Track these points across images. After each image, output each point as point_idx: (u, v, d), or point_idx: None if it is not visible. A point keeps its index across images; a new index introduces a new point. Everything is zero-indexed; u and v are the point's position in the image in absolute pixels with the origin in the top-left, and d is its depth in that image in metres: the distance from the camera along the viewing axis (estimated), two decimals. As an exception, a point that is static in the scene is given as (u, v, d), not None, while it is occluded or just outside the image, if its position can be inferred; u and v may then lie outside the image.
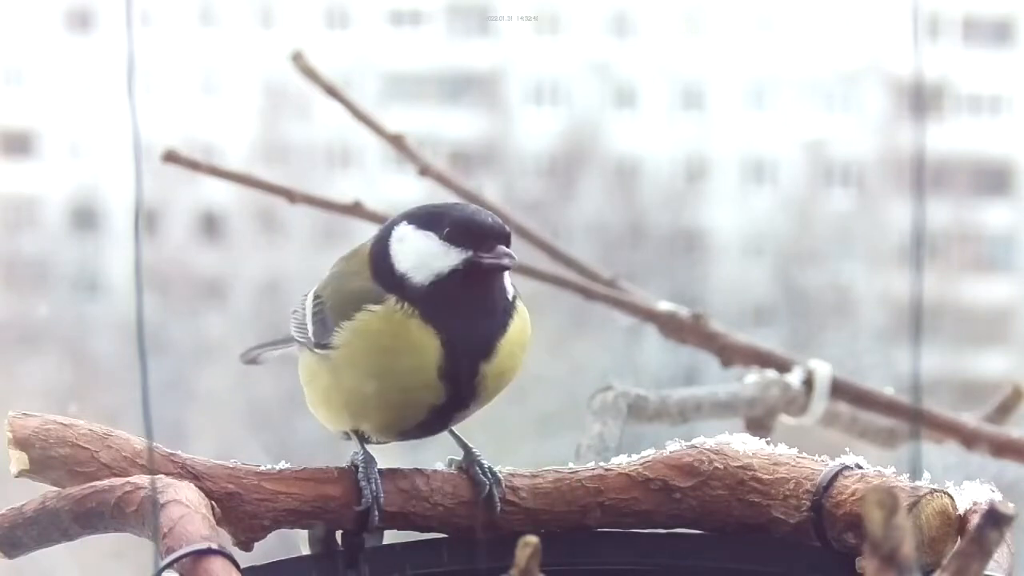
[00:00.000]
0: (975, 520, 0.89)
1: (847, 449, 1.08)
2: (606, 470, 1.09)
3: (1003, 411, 1.64)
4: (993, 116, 4.45)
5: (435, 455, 1.11)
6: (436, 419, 1.08)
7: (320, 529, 1.06)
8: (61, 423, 1.02)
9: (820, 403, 1.57)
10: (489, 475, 1.08)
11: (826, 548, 1.04)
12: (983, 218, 4.42)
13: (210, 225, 4.43)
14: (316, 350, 1.08)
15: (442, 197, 1.47)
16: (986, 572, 0.83)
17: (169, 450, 1.04)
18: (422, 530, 1.08)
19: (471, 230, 1.05)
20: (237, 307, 4.33)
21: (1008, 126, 4.42)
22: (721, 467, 1.07)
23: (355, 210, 1.57)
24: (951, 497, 1.00)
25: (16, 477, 1.02)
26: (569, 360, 3.36)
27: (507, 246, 1.05)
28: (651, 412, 1.44)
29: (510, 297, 1.08)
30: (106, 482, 0.99)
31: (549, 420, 3.00)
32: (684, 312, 1.59)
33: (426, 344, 1.04)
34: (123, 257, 4.16)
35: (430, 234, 1.06)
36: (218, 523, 0.98)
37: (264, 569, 1.02)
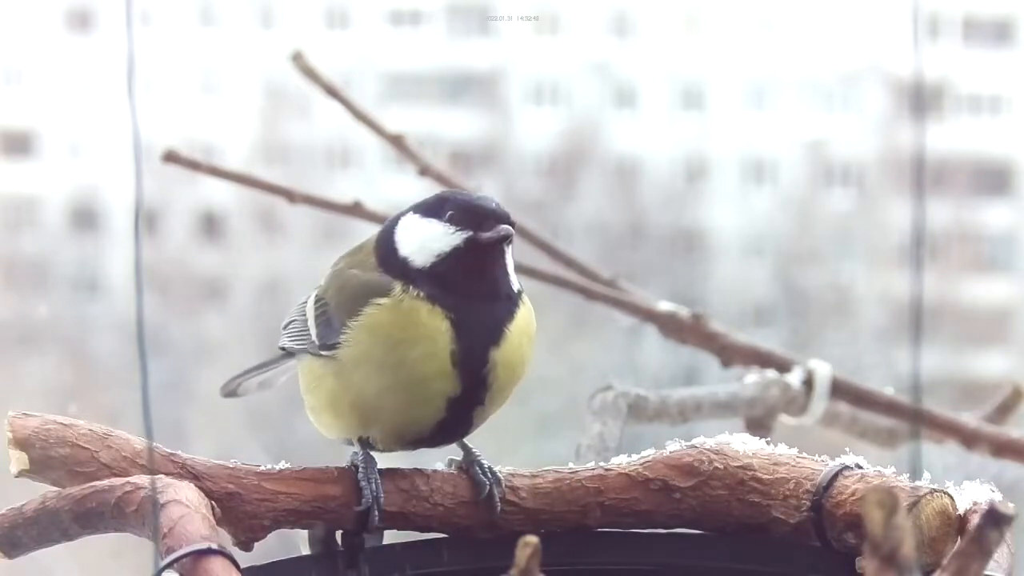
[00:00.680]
0: (975, 520, 0.89)
1: (847, 449, 1.08)
2: (606, 470, 1.09)
3: (1003, 411, 1.64)
4: (993, 116, 4.44)
5: (435, 455, 1.10)
6: (451, 418, 1.07)
7: (320, 529, 1.06)
8: (61, 423, 1.02)
9: (820, 403, 1.57)
10: (489, 475, 1.08)
11: (826, 548, 1.04)
12: (983, 218, 4.41)
13: (210, 225, 4.42)
14: (322, 352, 1.08)
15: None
16: (986, 572, 0.83)
17: (169, 450, 1.04)
18: (422, 530, 1.08)
19: (472, 212, 1.06)
20: (237, 307, 4.32)
21: (1008, 126, 4.41)
22: (721, 467, 1.07)
23: (355, 210, 1.57)
24: (951, 497, 1.00)
25: (16, 477, 1.02)
26: (569, 360, 3.36)
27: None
28: (651, 412, 1.44)
29: (516, 289, 1.08)
30: (106, 482, 0.99)
31: (549, 420, 3.00)
32: (684, 312, 1.60)
33: (437, 327, 1.04)
34: (123, 257, 4.15)
35: (432, 220, 1.07)
36: (218, 523, 0.98)
37: (264, 569, 1.02)
